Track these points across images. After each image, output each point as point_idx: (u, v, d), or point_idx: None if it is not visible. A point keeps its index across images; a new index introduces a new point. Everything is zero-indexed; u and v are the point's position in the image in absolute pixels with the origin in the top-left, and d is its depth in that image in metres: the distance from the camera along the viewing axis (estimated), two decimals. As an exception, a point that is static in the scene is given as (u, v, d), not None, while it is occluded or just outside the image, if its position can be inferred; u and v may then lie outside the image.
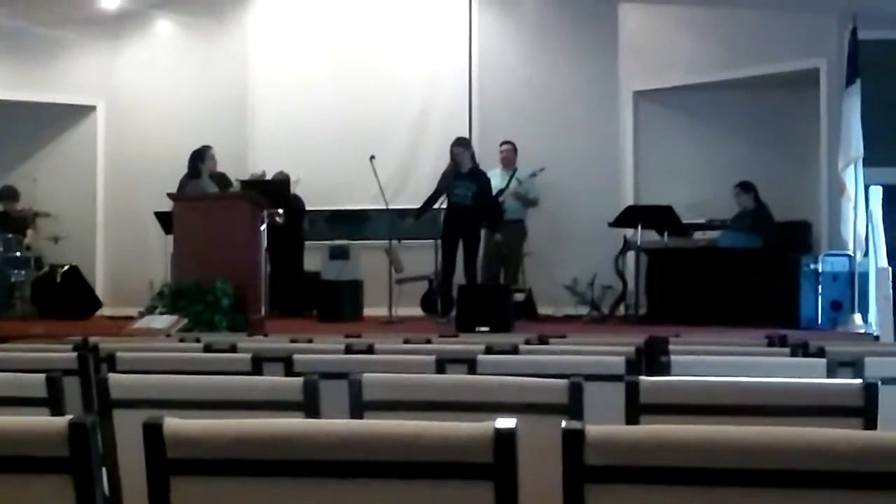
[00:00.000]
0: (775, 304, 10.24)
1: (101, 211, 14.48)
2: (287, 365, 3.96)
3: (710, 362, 3.84)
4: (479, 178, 11.19)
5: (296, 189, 12.50)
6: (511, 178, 11.93)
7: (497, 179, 11.86)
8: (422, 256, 11.75)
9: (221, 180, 12.07)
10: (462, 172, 11.07)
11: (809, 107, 11.65)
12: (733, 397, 2.80)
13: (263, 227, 10.21)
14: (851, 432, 1.74)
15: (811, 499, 1.74)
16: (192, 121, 13.70)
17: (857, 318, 9.75)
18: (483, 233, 11.53)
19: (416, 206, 11.70)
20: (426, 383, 3.03)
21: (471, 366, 3.80)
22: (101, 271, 14.27)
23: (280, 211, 11.81)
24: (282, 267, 12.20)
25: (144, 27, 14.46)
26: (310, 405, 2.79)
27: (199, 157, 11.33)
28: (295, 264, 12.44)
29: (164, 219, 11.25)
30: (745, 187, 11.36)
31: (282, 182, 12.13)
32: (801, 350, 4.78)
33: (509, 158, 12.29)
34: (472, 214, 10.97)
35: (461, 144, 11.28)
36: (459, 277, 10.92)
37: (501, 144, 12.39)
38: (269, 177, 12.37)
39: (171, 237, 10.42)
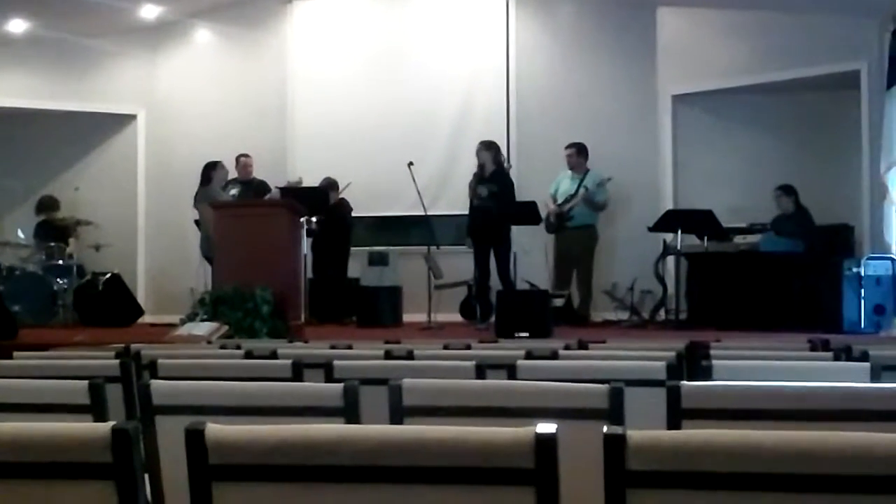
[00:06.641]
0: (817, 309, 10.13)
1: (142, 219, 14.58)
2: (327, 371, 3.96)
3: (752, 367, 3.80)
4: (501, 180, 11.19)
5: (343, 194, 12.57)
6: (580, 184, 11.94)
7: (567, 183, 12.03)
8: (460, 262, 11.76)
9: (260, 187, 12.15)
10: (484, 176, 11.10)
11: (850, 109, 11.54)
12: (776, 402, 2.77)
13: (304, 233, 10.24)
14: (896, 437, 1.71)
15: (856, 504, 1.73)
16: (231, 128, 13.80)
17: (901, 321, 9.66)
18: (551, 237, 12.01)
19: (455, 212, 11.84)
20: (466, 389, 3.02)
21: (510, 371, 3.79)
22: (142, 279, 14.36)
23: (314, 219, 11.80)
24: (326, 273, 12.23)
25: (183, 36, 14.57)
26: (350, 411, 2.78)
27: (212, 166, 11.56)
28: (340, 270, 12.46)
29: (204, 226, 11.34)
30: (786, 191, 11.26)
31: (320, 189, 12.16)
32: (844, 354, 4.71)
33: (577, 162, 12.20)
34: (497, 218, 10.95)
35: (484, 146, 11.31)
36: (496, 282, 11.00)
37: (566, 147, 12.29)
38: (306, 183, 12.41)
39: (210, 245, 10.53)
